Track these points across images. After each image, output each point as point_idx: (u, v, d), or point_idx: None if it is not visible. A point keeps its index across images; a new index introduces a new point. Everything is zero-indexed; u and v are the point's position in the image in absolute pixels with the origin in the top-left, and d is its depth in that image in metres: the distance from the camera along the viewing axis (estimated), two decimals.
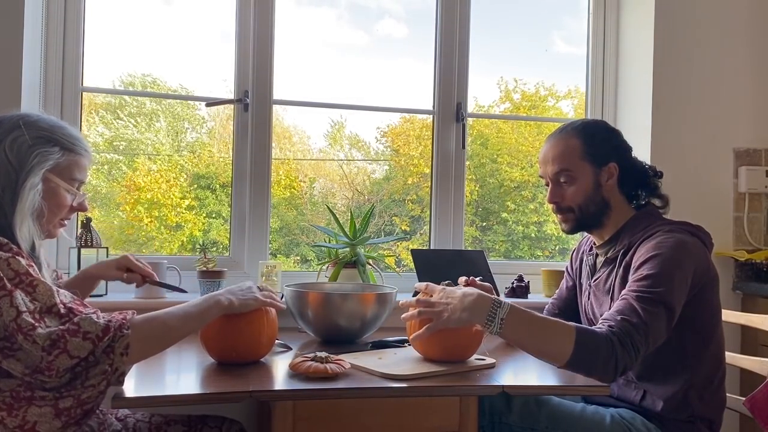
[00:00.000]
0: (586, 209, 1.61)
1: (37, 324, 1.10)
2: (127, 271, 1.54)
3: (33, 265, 1.19)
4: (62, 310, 1.15)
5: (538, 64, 2.78)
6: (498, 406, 1.47)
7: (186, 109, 2.66)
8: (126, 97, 2.55)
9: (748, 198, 2.42)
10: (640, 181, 1.65)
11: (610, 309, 1.55)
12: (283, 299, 1.81)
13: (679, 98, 2.38)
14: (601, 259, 1.68)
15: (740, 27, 2.45)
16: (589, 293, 1.69)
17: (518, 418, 1.46)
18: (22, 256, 1.18)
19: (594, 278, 1.67)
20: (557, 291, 1.91)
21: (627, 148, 1.67)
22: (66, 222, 1.36)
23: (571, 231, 1.66)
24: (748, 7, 2.45)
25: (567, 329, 1.34)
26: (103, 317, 1.16)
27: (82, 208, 1.36)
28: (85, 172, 1.34)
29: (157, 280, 1.60)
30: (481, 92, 2.49)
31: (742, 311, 2.16)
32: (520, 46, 2.72)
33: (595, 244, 1.71)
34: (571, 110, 2.87)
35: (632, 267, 1.50)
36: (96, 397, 1.15)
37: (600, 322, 1.40)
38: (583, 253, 1.80)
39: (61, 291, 1.19)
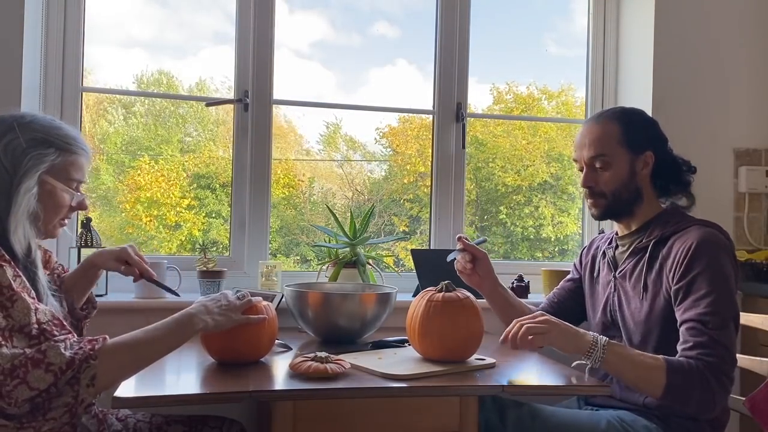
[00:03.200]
0: (619, 196, 1.60)
1: (3, 342, 1.08)
2: (125, 264, 1.50)
3: (20, 275, 1.16)
4: (34, 332, 1.12)
5: (531, 67, 2.78)
6: (493, 421, 1.46)
7: (187, 109, 2.66)
8: (126, 98, 2.55)
9: (748, 198, 2.42)
10: (673, 174, 1.64)
11: (642, 306, 1.55)
12: (283, 299, 1.81)
13: (679, 98, 2.38)
14: (623, 250, 1.66)
15: (740, 27, 2.45)
16: (614, 285, 1.65)
17: None
18: (11, 265, 1.15)
19: (619, 270, 1.64)
20: (556, 288, 1.90)
21: (663, 139, 1.66)
22: (66, 222, 1.34)
23: (601, 216, 1.65)
24: (748, 7, 2.45)
25: (658, 365, 1.38)
26: (72, 347, 1.12)
27: (81, 207, 1.34)
28: (83, 171, 1.32)
29: (154, 277, 1.55)
30: (474, 96, 2.49)
31: (742, 311, 2.15)
32: (512, 49, 2.72)
33: (617, 234, 1.70)
34: (563, 110, 2.87)
35: (671, 267, 1.49)
36: (59, 428, 1.12)
37: (680, 353, 1.42)
38: (596, 249, 1.77)
39: (41, 309, 1.15)
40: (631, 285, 1.60)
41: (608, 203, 1.62)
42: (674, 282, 1.48)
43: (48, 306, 1.25)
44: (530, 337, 1.36)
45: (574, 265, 1.88)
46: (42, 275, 1.28)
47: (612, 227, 1.79)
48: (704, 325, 1.40)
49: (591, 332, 1.43)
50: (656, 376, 1.37)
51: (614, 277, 1.65)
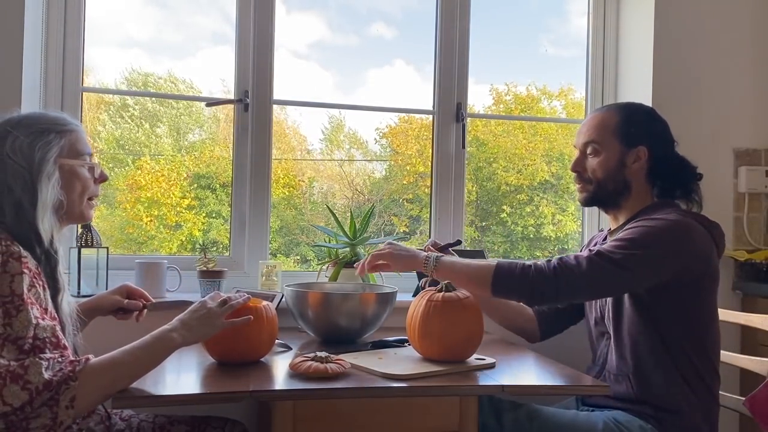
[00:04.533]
0: (604, 185, 1.63)
1: None
2: (127, 296, 1.56)
3: (36, 285, 1.17)
4: (26, 346, 1.10)
5: (530, 67, 2.79)
6: (490, 424, 1.46)
7: (188, 109, 2.66)
8: (128, 98, 2.55)
9: (748, 198, 2.42)
10: (673, 177, 1.64)
11: (623, 295, 1.56)
12: (283, 299, 1.81)
13: (679, 98, 2.38)
14: None
15: (740, 27, 2.45)
16: None
17: None
18: (30, 274, 1.15)
19: None
20: None
21: (667, 140, 1.66)
22: (95, 200, 1.38)
23: (585, 202, 1.69)
24: (748, 7, 2.45)
25: (489, 265, 1.51)
26: (53, 367, 1.10)
27: (103, 177, 1.38)
28: (86, 143, 1.36)
29: (155, 303, 1.61)
30: (474, 96, 2.49)
31: (742, 311, 2.16)
32: (511, 50, 2.72)
33: (610, 230, 1.71)
34: (563, 112, 2.87)
35: None
36: None
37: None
38: (596, 244, 1.78)
39: (42, 324, 1.14)
40: None
41: (594, 190, 1.65)
42: None
43: (64, 301, 1.27)
44: (377, 262, 1.59)
45: None
46: (62, 270, 1.29)
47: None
48: (590, 252, 1.48)
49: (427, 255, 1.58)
50: (485, 274, 1.48)
51: None
